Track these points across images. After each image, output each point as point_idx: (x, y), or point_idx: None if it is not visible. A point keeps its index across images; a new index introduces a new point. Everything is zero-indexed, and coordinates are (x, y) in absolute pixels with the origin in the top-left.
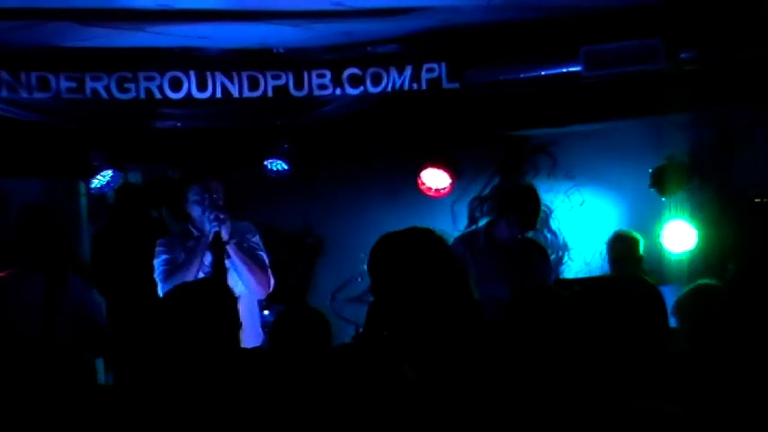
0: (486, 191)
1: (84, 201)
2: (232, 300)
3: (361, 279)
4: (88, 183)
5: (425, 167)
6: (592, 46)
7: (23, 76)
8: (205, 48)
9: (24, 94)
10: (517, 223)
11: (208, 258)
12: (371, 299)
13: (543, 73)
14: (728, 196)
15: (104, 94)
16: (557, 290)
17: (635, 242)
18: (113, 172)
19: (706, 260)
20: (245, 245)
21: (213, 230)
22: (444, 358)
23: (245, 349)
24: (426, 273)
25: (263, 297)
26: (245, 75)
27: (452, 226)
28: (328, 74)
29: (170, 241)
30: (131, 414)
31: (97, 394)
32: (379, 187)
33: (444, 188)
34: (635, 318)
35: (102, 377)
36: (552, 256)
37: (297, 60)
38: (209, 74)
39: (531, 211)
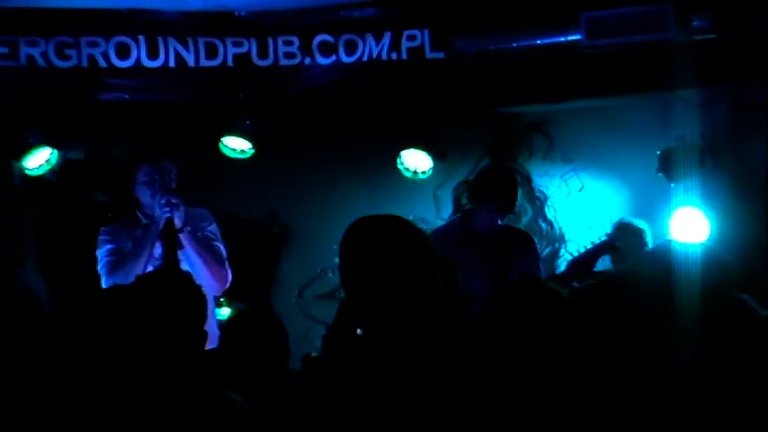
0: (474, 174)
1: (18, 183)
2: (201, 297)
3: (333, 273)
4: (23, 162)
5: (406, 148)
6: (594, 12)
7: None
8: (157, 10)
9: None
10: (497, 210)
11: (158, 249)
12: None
13: (539, 42)
14: (746, 181)
15: (41, 62)
16: (545, 282)
17: (641, 232)
18: (52, 150)
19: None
20: (201, 234)
21: (164, 217)
22: (425, 358)
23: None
24: (405, 262)
25: (219, 293)
26: (201, 41)
27: (435, 213)
28: (296, 41)
29: (115, 229)
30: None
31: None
32: (354, 170)
33: (427, 171)
34: (641, 317)
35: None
36: (547, 249)
37: (261, 25)
38: (160, 39)
39: (511, 197)
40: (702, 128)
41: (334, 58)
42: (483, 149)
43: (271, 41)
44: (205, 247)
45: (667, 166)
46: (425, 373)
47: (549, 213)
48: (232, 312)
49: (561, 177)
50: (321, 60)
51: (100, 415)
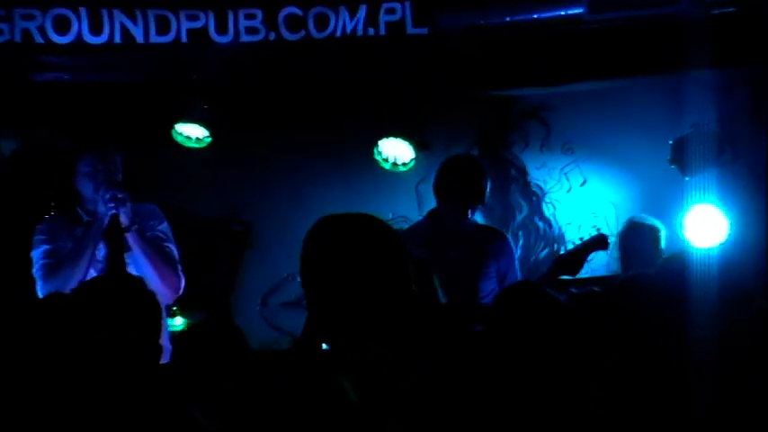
0: None
1: None
2: (155, 306)
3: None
4: None
5: (384, 136)
6: None
7: None
8: None
9: None
10: (462, 203)
11: (101, 251)
12: None
13: (535, 16)
14: None
15: None
16: (542, 288)
17: (654, 233)
18: None
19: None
20: (150, 234)
21: (109, 214)
22: (395, 373)
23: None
24: (373, 266)
25: (171, 301)
26: (151, 14)
27: (417, 211)
28: (259, 14)
29: (52, 227)
30: None
31: None
32: (326, 161)
33: (408, 163)
34: (653, 327)
35: None
36: (545, 251)
37: None
38: (104, 12)
39: (474, 184)
40: (720, 114)
41: (302, 33)
42: (472, 138)
43: (231, 15)
44: (155, 249)
45: (681, 157)
46: (408, 383)
47: (547, 211)
48: (186, 323)
49: (561, 170)
50: (288, 36)
51: None
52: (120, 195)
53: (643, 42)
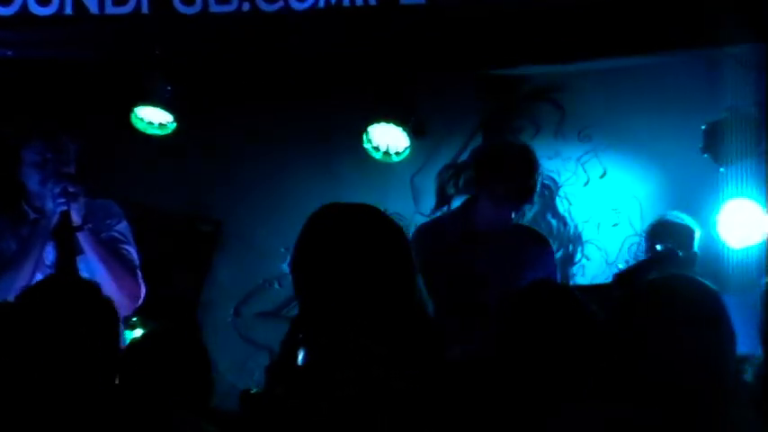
0: (464, 156)
1: None
2: (113, 314)
3: (280, 285)
4: None
5: (375, 122)
6: None
7: None
8: None
9: None
10: (507, 196)
11: (50, 253)
12: (296, 312)
13: None
14: None
15: None
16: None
17: (688, 233)
18: None
19: None
20: (106, 234)
21: (59, 211)
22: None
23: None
24: (383, 265)
25: (129, 312)
26: None
27: (413, 206)
28: None
29: None
30: None
31: None
32: (308, 150)
33: (402, 152)
34: (686, 338)
35: None
36: (559, 253)
37: None
38: None
39: (527, 176)
40: (760, 95)
41: (281, 3)
42: (475, 124)
43: None
44: (111, 252)
45: (715, 145)
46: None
47: (561, 206)
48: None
49: (577, 160)
50: (264, 7)
51: None
52: (71, 189)
53: (672, 12)
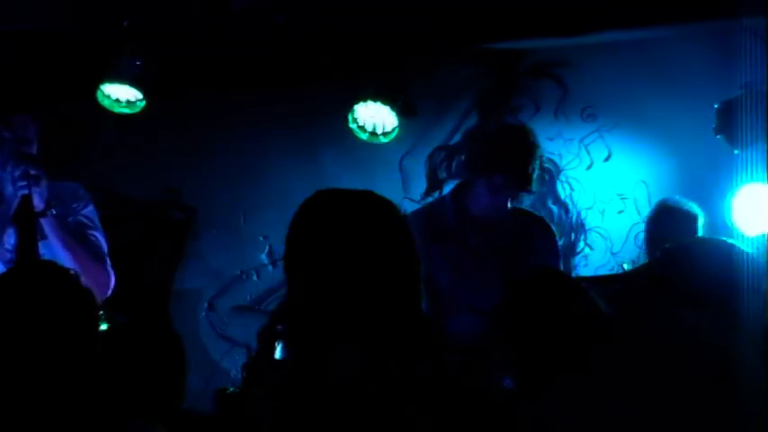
0: (457, 137)
1: None
2: (91, 303)
3: (258, 277)
4: None
5: (360, 100)
6: None
7: None
8: None
9: None
10: (504, 185)
11: (10, 238)
12: (275, 305)
13: None
14: None
15: None
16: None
17: (691, 220)
18: None
19: None
20: (72, 219)
21: (20, 194)
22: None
23: None
24: (389, 256)
25: (99, 302)
26: None
27: (402, 191)
28: None
29: None
30: None
31: None
32: (288, 131)
33: (390, 132)
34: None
35: None
36: (560, 241)
37: None
38: None
39: (526, 164)
40: None
41: None
42: (469, 102)
43: None
44: (77, 238)
45: (728, 126)
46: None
47: (563, 192)
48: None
49: (580, 141)
50: None
51: None
52: (33, 172)
53: None
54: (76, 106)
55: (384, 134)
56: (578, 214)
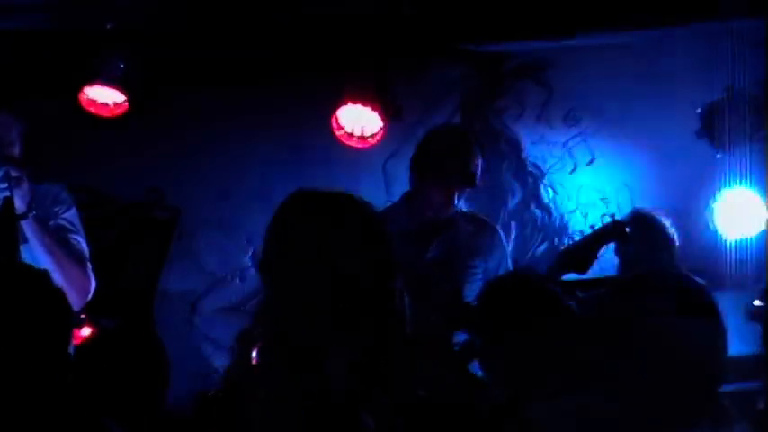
0: None
1: None
2: (64, 306)
3: (242, 279)
4: None
5: (343, 102)
6: None
7: None
8: None
9: None
10: (445, 183)
11: None
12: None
13: None
14: None
15: None
16: (541, 282)
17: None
18: None
19: None
20: (53, 223)
21: (1, 197)
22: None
23: None
24: (369, 260)
25: (79, 306)
26: None
27: (385, 195)
28: None
29: None
30: None
31: None
32: (272, 133)
33: (374, 135)
34: (674, 338)
35: None
36: (543, 245)
37: None
38: None
39: (463, 160)
40: (762, 74)
41: None
42: (454, 104)
43: None
44: (59, 242)
45: (711, 129)
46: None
47: (546, 195)
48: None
49: (564, 145)
50: None
51: None
52: (14, 174)
53: None
54: (60, 106)
55: (368, 137)
56: (561, 218)
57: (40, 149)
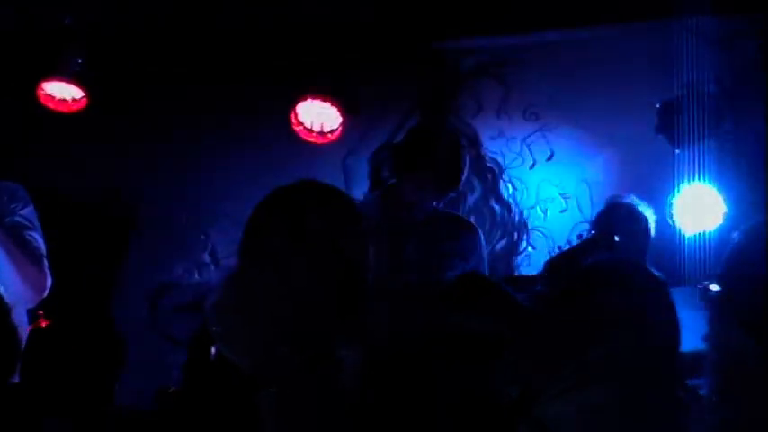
0: (400, 136)
1: None
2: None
3: (200, 275)
4: None
5: (302, 98)
6: None
7: None
8: None
9: None
10: (433, 184)
11: None
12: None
13: None
14: None
15: None
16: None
17: (642, 220)
18: None
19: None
20: (9, 220)
21: None
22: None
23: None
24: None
25: (33, 304)
26: None
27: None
28: None
29: None
30: None
31: None
32: (230, 129)
33: (333, 131)
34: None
35: None
36: (502, 241)
37: None
38: None
39: (454, 162)
40: (720, 72)
41: None
42: (411, 101)
43: None
44: (15, 239)
45: (670, 126)
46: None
47: (506, 191)
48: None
49: (522, 141)
50: None
51: None
52: None
53: None
54: (17, 104)
55: (328, 133)
56: (521, 213)
57: (9, 146)
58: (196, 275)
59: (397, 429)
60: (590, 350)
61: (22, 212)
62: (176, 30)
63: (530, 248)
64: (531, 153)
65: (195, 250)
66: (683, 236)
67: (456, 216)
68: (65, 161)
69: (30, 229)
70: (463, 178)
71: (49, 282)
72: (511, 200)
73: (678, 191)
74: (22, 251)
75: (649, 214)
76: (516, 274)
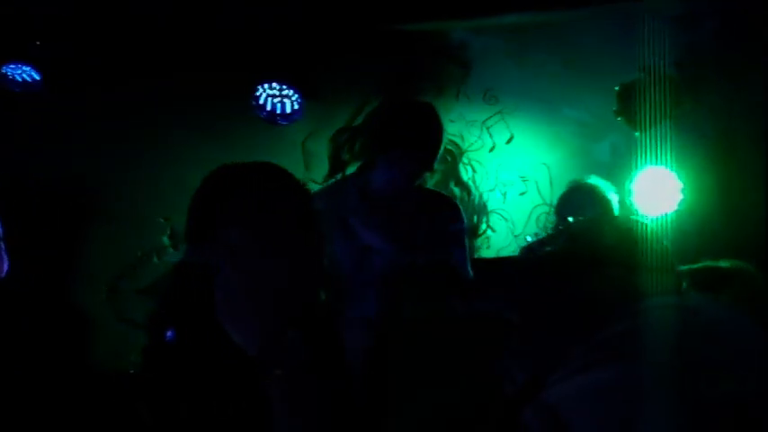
0: (360, 119)
1: None
2: None
3: (159, 258)
4: None
5: (261, 82)
6: None
7: None
8: None
9: None
10: (405, 160)
11: None
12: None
13: None
14: (738, 127)
15: None
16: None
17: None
18: None
19: (701, 230)
20: None
21: None
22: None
23: None
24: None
25: None
26: None
27: (304, 173)
28: None
29: None
30: None
31: None
32: (189, 113)
33: (292, 114)
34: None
35: None
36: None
37: None
38: None
39: (429, 138)
40: (679, 54)
41: None
42: (371, 84)
43: None
44: None
45: (629, 108)
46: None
47: (465, 174)
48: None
49: (482, 123)
50: None
51: None
52: None
53: None
54: None
55: (287, 115)
56: (481, 196)
57: None
58: (155, 258)
59: (404, 411)
60: (595, 333)
61: None
62: (135, 19)
63: (489, 231)
64: (491, 136)
65: (154, 233)
66: (643, 220)
67: (436, 193)
68: (22, 145)
69: None
70: (438, 159)
71: (6, 265)
72: (470, 182)
73: (637, 174)
74: None
75: (612, 196)
76: (476, 256)
